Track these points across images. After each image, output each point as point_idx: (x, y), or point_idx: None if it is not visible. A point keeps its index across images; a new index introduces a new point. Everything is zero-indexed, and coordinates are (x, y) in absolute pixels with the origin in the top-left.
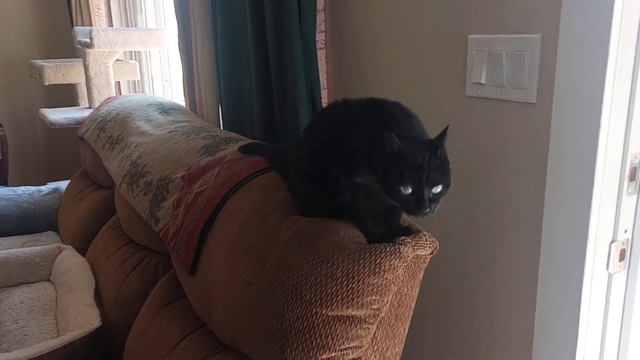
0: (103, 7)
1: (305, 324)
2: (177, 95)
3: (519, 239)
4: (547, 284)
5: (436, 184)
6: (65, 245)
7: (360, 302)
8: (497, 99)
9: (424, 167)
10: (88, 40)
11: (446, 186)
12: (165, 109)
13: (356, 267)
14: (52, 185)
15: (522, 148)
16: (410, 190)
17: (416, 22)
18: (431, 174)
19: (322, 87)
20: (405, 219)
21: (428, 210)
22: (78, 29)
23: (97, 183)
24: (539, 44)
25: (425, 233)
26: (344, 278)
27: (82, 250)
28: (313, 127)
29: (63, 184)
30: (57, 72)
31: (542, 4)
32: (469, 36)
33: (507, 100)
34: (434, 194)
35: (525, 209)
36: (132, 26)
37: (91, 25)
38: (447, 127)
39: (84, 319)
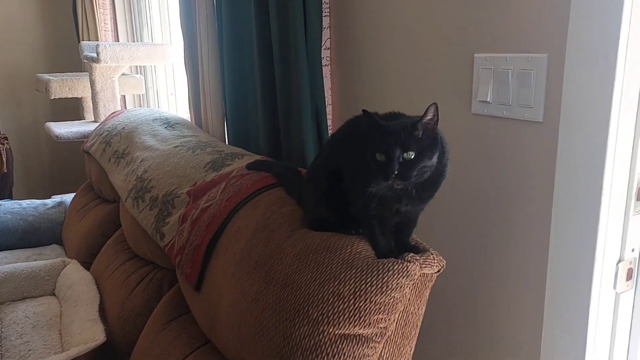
0: (109, 22)
1: (312, 342)
2: (181, 110)
3: (526, 257)
4: (554, 303)
5: (407, 150)
6: (70, 259)
7: (367, 321)
8: (503, 117)
9: (395, 133)
10: (95, 55)
11: (423, 156)
12: (171, 123)
13: (363, 286)
14: (57, 199)
15: (528, 167)
16: (383, 157)
17: (422, 40)
18: (402, 139)
19: (327, 104)
20: (414, 238)
21: (395, 173)
22: (85, 43)
23: (102, 197)
24: (546, 63)
25: (433, 252)
26: (351, 296)
27: (86, 264)
28: (333, 138)
29: (68, 197)
30: (63, 86)
31: (548, 24)
32: (475, 55)
33: (513, 119)
34: (406, 159)
35: (532, 228)
36: (138, 41)
37: (97, 39)
38: (431, 105)
39: (88, 334)
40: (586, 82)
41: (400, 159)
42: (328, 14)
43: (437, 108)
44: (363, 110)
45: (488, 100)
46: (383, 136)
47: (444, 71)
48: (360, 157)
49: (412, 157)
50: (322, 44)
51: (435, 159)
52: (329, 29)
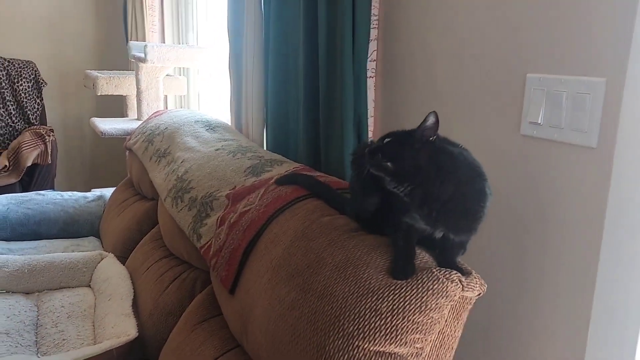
0: (157, 23)
1: (346, 356)
2: (220, 113)
3: (570, 291)
4: (599, 341)
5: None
6: (106, 253)
7: (403, 340)
8: (553, 141)
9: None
10: (142, 55)
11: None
12: (212, 126)
13: (402, 303)
14: (97, 192)
15: (578, 194)
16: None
17: (472, 57)
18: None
19: (369, 115)
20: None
21: (367, 150)
22: (133, 43)
23: (141, 194)
24: (603, 87)
25: (476, 275)
26: (389, 313)
27: (122, 259)
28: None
29: (107, 192)
30: (110, 83)
31: (608, 47)
32: (528, 75)
33: (565, 143)
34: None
35: (579, 260)
36: (183, 43)
37: (145, 40)
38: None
39: (120, 328)
40: None
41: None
42: (376, 26)
43: (437, 117)
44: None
45: (539, 122)
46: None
47: (493, 90)
48: None
49: (384, 142)
50: (369, 55)
51: (425, 160)
52: (376, 41)
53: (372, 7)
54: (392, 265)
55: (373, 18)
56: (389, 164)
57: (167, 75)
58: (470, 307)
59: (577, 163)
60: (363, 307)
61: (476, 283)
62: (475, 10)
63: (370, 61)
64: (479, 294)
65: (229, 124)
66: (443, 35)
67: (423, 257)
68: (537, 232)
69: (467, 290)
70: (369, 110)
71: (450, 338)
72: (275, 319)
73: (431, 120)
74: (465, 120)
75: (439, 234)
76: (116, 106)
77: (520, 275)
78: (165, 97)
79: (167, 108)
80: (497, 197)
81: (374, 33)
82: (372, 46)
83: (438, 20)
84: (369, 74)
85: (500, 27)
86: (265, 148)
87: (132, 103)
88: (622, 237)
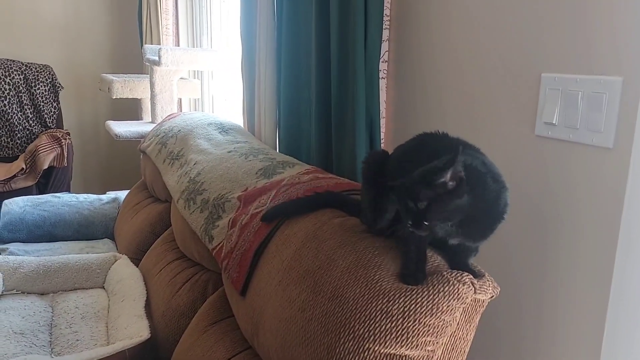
0: (171, 27)
1: (356, 359)
2: (234, 115)
3: (585, 293)
4: (614, 345)
5: (418, 200)
6: (120, 255)
7: (414, 342)
8: (568, 141)
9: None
10: (156, 58)
11: (442, 202)
12: (225, 128)
13: (413, 306)
14: (111, 195)
15: (594, 195)
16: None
17: (486, 57)
18: (413, 190)
19: (381, 117)
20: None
21: (410, 223)
22: (147, 47)
23: (155, 196)
24: (620, 87)
25: (489, 277)
26: (400, 316)
27: (135, 260)
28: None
29: (122, 194)
30: (125, 86)
31: (624, 46)
32: (543, 74)
33: (580, 143)
34: (420, 208)
35: (594, 262)
36: (197, 46)
37: (159, 43)
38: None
39: (133, 329)
40: None
41: (414, 209)
42: (388, 27)
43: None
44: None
45: (554, 122)
46: (398, 186)
47: (507, 90)
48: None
49: (425, 206)
50: (381, 56)
51: (465, 198)
52: (388, 42)
53: (385, 8)
54: (403, 270)
55: (385, 19)
56: (436, 224)
57: (181, 78)
58: (482, 309)
59: (593, 164)
60: (374, 309)
61: (489, 286)
62: (488, 10)
63: (382, 62)
64: (492, 297)
65: (242, 126)
66: (456, 35)
67: (434, 260)
68: (553, 233)
69: (479, 293)
70: (381, 112)
71: (462, 341)
72: (286, 320)
73: (451, 172)
74: (479, 121)
75: (454, 241)
76: (131, 109)
77: (534, 277)
78: (180, 100)
79: (181, 111)
80: (512, 199)
81: (386, 34)
82: (384, 47)
83: (451, 21)
84: (381, 75)
85: (514, 27)
86: (277, 150)
87: (147, 106)
88: (638, 238)
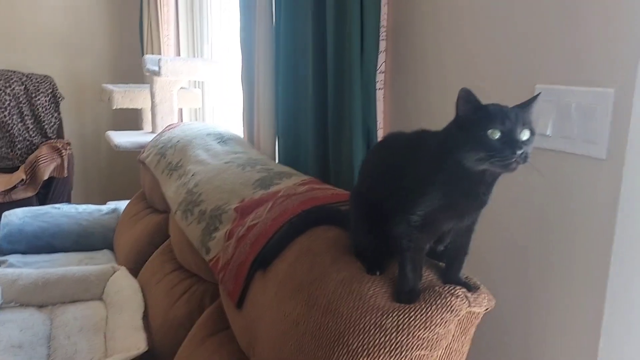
0: (172, 36)
1: None
2: (235, 125)
3: (580, 305)
4: (609, 352)
5: (525, 126)
6: (119, 266)
7: (408, 356)
8: (563, 152)
9: (510, 110)
10: (156, 68)
11: (533, 135)
12: (224, 139)
13: (406, 319)
14: (111, 205)
15: (588, 205)
16: (499, 134)
17: (481, 68)
18: (519, 114)
19: (378, 127)
20: (465, 274)
21: (521, 152)
22: (147, 57)
23: (154, 206)
24: (612, 98)
25: (485, 290)
26: (393, 329)
27: (134, 271)
28: (367, 161)
29: (122, 204)
30: (125, 96)
31: (617, 58)
32: (537, 85)
33: (574, 154)
34: (523, 141)
35: (588, 272)
36: (198, 55)
37: (160, 53)
38: (538, 94)
39: (131, 341)
40: None
41: (519, 139)
42: (385, 38)
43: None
44: (461, 89)
45: (548, 133)
46: (499, 113)
47: (502, 101)
48: (411, 176)
49: (528, 137)
50: (378, 67)
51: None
52: (385, 52)
53: (382, 19)
54: (397, 288)
55: (382, 30)
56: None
57: (181, 88)
58: (477, 322)
59: (587, 175)
60: (367, 323)
61: (484, 298)
62: (484, 22)
63: (379, 73)
64: (487, 309)
65: (242, 136)
66: (452, 46)
67: (428, 275)
68: (549, 243)
69: (474, 306)
70: (378, 122)
71: (457, 353)
72: (281, 334)
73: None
74: None
75: (453, 225)
76: (132, 119)
77: (530, 288)
78: (181, 110)
79: (182, 121)
80: (506, 209)
81: (383, 45)
82: (382, 58)
83: (447, 32)
84: (378, 85)
85: (509, 39)
86: (277, 160)
87: (147, 116)
88: (632, 250)
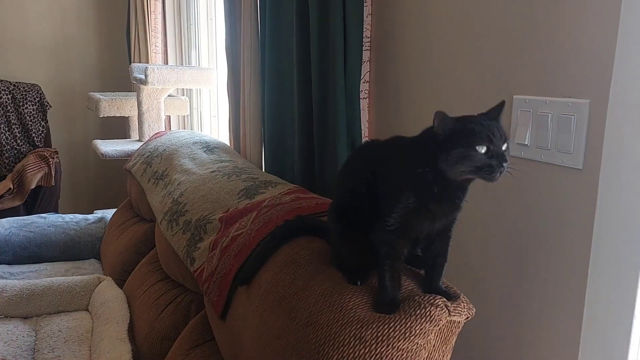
0: (160, 44)
1: None
2: (222, 133)
3: (560, 311)
4: (592, 348)
5: (503, 138)
6: (104, 276)
7: None
8: (540, 162)
9: (490, 125)
10: (143, 77)
11: (509, 144)
12: (210, 147)
13: (386, 330)
14: (98, 214)
15: (566, 215)
16: (485, 149)
17: (461, 79)
18: (499, 128)
19: (363, 136)
20: (445, 281)
21: (507, 163)
22: (134, 65)
23: (140, 215)
24: (587, 109)
25: (464, 299)
26: (373, 341)
27: (120, 281)
28: (343, 172)
29: (109, 213)
30: (112, 105)
31: (591, 69)
32: (515, 96)
33: (552, 164)
34: (504, 151)
35: (567, 280)
36: (186, 63)
37: (148, 61)
38: (503, 102)
39: (115, 353)
40: (629, 131)
41: (500, 150)
42: (369, 48)
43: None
44: (436, 112)
45: (526, 143)
46: (484, 130)
47: (483, 110)
48: (387, 182)
49: (506, 147)
50: (362, 77)
51: None
52: (369, 62)
53: (365, 30)
54: (377, 299)
55: (365, 40)
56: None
57: (169, 96)
58: (458, 330)
59: (564, 184)
60: (347, 335)
61: (464, 307)
62: (464, 34)
63: (363, 82)
64: (467, 318)
65: (228, 144)
66: (434, 57)
67: (408, 285)
68: (526, 252)
69: (454, 315)
70: (362, 131)
71: None
72: (263, 346)
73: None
74: None
75: (433, 226)
76: (120, 127)
77: (510, 295)
78: (169, 117)
79: (170, 128)
80: (485, 218)
81: (367, 55)
82: (366, 68)
83: (427, 43)
84: (362, 95)
85: (488, 51)
86: (263, 168)
87: (135, 124)
88: (608, 255)
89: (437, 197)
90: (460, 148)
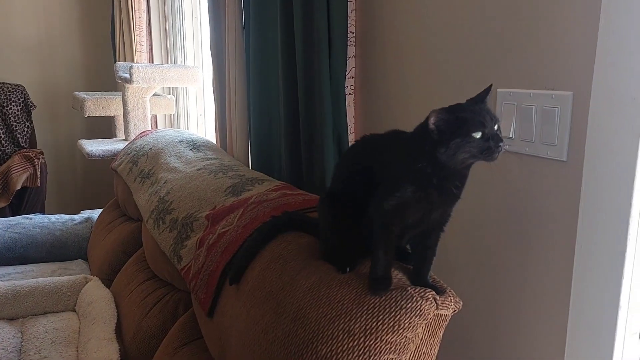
0: (145, 43)
1: None
2: (209, 131)
3: (546, 302)
4: (575, 351)
5: (495, 120)
6: (91, 276)
7: None
8: (525, 154)
9: (481, 111)
10: (128, 75)
11: (499, 124)
12: (197, 145)
13: (375, 323)
14: (85, 214)
15: (551, 206)
16: (480, 134)
17: (446, 73)
18: (489, 112)
19: (349, 132)
20: (432, 276)
21: (502, 142)
22: (119, 64)
23: (127, 215)
24: (571, 101)
25: (451, 292)
26: (362, 334)
27: (108, 281)
28: (341, 163)
29: (95, 213)
30: (97, 104)
31: (574, 61)
32: (499, 89)
33: (536, 156)
34: (497, 131)
35: (553, 271)
36: (171, 61)
37: (133, 60)
38: (490, 86)
39: (103, 353)
40: (612, 122)
41: (494, 131)
42: (354, 44)
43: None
44: (432, 111)
45: (510, 136)
46: (477, 116)
47: None
48: (386, 174)
49: (498, 126)
50: (347, 72)
51: None
52: (354, 58)
53: (349, 25)
54: (371, 274)
55: (350, 36)
56: None
57: (155, 94)
58: (446, 324)
59: (549, 177)
60: (336, 328)
61: (451, 301)
62: (447, 28)
63: (349, 78)
64: (454, 311)
65: (215, 142)
66: (418, 52)
67: (397, 274)
68: (512, 244)
69: (442, 309)
70: (349, 127)
71: (426, 356)
72: (251, 343)
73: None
74: None
75: (431, 215)
76: (106, 127)
77: (496, 287)
78: (155, 116)
79: (156, 127)
80: (472, 211)
81: (352, 50)
82: (351, 63)
83: (412, 38)
84: (347, 90)
85: (472, 45)
86: (250, 165)
87: (120, 124)
88: (593, 246)
89: (436, 186)
90: (457, 138)
